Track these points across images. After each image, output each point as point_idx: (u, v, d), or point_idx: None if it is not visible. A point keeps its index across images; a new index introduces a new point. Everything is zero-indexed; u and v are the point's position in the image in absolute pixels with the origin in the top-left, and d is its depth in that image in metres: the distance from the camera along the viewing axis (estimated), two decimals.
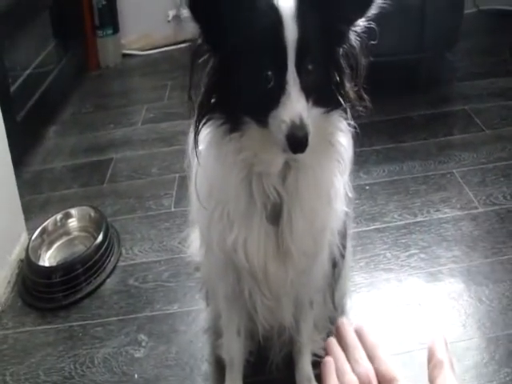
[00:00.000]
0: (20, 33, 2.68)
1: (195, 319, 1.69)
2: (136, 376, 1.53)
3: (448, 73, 2.95)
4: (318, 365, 1.40)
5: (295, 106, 0.88)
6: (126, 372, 1.55)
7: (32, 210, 2.17)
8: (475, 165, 2.25)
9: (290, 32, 0.87)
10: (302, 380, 1.42)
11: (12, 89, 2.57)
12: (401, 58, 2.75)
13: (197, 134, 0.98)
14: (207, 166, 1.05)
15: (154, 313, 1.73)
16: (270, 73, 0.89)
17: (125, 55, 3.60)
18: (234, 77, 0.93)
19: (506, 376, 1.41)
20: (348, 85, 0.96)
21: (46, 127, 2.80)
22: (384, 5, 0.93)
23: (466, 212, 2.00)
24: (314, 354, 1.43)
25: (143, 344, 1.63)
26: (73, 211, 2.08)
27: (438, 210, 2.03)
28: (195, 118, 0.97)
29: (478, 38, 3.08)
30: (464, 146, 2.38)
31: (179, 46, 3.62)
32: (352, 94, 0.97)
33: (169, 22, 3.61)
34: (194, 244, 1.61)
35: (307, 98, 0.91)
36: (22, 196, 2.06)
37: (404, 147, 2.41)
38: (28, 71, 2.77)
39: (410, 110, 2.66)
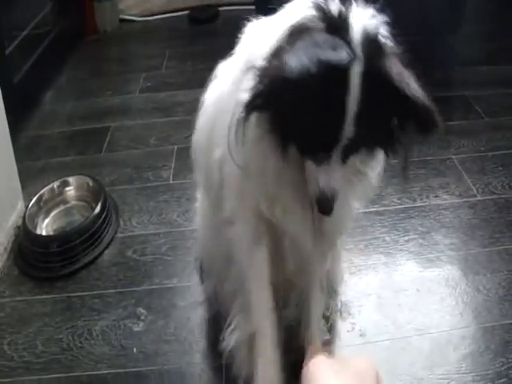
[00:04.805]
0: None
1: (194, 295, 1.69)
2: (135, 350, 1.53)
3: (449, 57, 2.94)
4: None
5: (331, 180, 0.94)
6: (124, 345, 1.55)
7: (28, 177, 2.13)
8: (474, 152, 2.25)
9: (347, 131, 0.89)
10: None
11: (7, 51, 2.51)
12: (402, 40, 2.73)
13: (246, 118, 0.93)
14: (248, 141, 1.00)
15: (152, 286, 1.73)
16: (319, 147, 0.93)
17: (122, 21, 3.53)
18: (293, 121, 0.91)
19: (501, 366, 1.43)
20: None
21: (42, 91, 2.75)
22: None
23: (464, 199, 2.01)
24: None
25: (142, 318, 1.62)
26: (70, 180, 2.06)
27: (436, 196, 2.03)
28: (245, 106, 0.91)
29: (481, 22, 3.05)
30: (463, 132, 2.38)
31: (177, 13, 3.57)
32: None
33: None
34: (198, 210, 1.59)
35: (347, 160, 0.96)
36: (18, 162, 2.02)
37: None
38: (24, 33, 2.70)
39: None
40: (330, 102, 0.87)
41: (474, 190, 2.04)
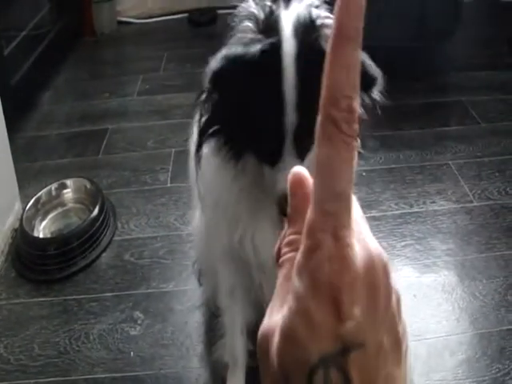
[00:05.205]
0: None
1: (191, 299, 1.70)
2: (132, 354, 1.53)
3: (446, 62, 2.95)
4: None
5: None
6: (121, 349, 1.55)
7: (25, 179, 2.14)
8: (471, 158, 2.26)
9: (290, 119, 0.90)
10: None
11: (6, 52, 2.51)
12: (399, 44, 2.75)
13: (199, 150, 1.00)
14: (209, 171, 1.07)
15: (149, 290, 1.73)
16: (268, 144, 0.94)
17: (120, 23, 3.52)
18: (238, 123, 0.95)
19: (497, 372, 1.44)
20: None
21: (40, 93, 2.75)
22: None
23: (461, 205, 2.02)
24: None
25: (139, 322, 1.63)
26: (68, 182, 2.06)
27: (433, 202, 2.04)
28: (198, 137, 0.99)
29: (477, 28, 3.06)
30: (460, 138, 2.38)
31: (176, 16, 3.57)
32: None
33: None
34: (194, 220, 1.60)
35: (305, 156, 0.94)
36: (15, 163, 2.02)
37: (401, 135, 2.42)
38: (22, 34, 2.70)
39: (406, 97, 2.64)
40: (266, 93, 0.89)
41: (471, 196, 2.05)
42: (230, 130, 0.96)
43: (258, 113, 0.90)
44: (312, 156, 0.95)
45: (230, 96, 0.91)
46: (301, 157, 0.94)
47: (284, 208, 0.95)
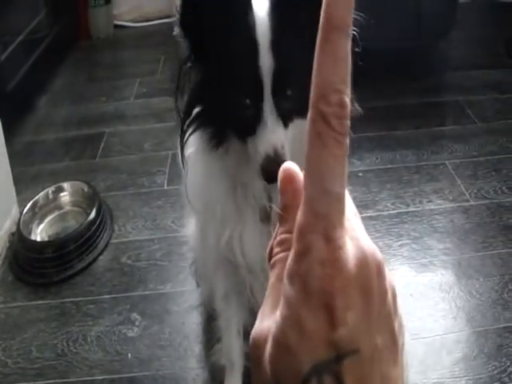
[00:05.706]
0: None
1: (188, 300, 1.70)
2: (129, 356, 1.54)
3: (442, 62, 2.96)
4: None
5: (270, 137, 0.89)
6: (119, 351, 1.55)
7: (23, 183, 2.14)
8: (467, 157, 2.26)
9: (266, 64, 0.87)
10: None
11: (2, 57, 2.52)
12: (396, 45, 2.76)
13: (183, 142, 0.99)
14: (195, 170, 1.06)
15: (146, 292, 1.73)
16: (247, 101, 0.90)
17: (116, 26, 3.53)
18: (216, 95, 0.93)
19: (493, 369, 1.45)
20: None
21: (37, 97, 2.76)
22: None
23: (457, 204, 2.02)
24: None
25: (136, 323, 1.63)
26: (65, 185, 2.06)
27: (430, 201, 2.04)
28: (180, 128, 0.98)
29: (473, 28, 3.08)
30: (456, 137, 2.39)
31: (172, 19, 3.57)
32: None
33: None
34: (189, 226, 1.61)
35: (287, 120, 0.91)
36: (12, 167, 2.03)
37: (397, 135, 2.42)
38: (18, 40, 2.71)
39: (403, 97, 2.66)
40: (239, 34, 0.88)
41: (467, 195, 2.05)
42: (210, 100, 0.94)
43: (232, 55, 0.88)
44: (297, 124, 0.92)
45: (205, 27, 0.88)
46: (283, 119, 0.90)
47: (268, 172, 0.91)
